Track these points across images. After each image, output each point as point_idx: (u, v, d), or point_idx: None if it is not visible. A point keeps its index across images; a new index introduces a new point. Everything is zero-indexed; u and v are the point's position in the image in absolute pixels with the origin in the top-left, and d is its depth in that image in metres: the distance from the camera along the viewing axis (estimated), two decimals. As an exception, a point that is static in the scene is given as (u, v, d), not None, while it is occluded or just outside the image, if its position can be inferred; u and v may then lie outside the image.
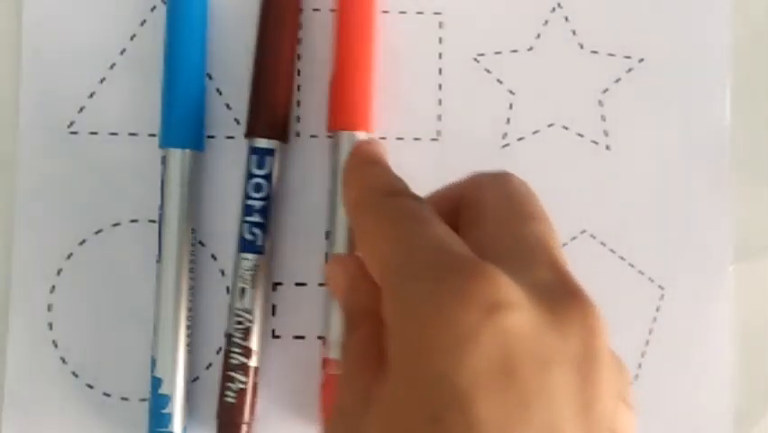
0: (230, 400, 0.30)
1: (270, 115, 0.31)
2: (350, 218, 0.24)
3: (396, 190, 0.24)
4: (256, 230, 0.31)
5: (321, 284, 0.31)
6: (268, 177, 0.31)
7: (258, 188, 0.31)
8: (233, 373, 0.30)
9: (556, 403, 0.19)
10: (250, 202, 0.31)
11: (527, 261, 0.22)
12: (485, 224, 0.23)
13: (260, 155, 0.31)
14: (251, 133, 0.31)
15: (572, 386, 0.20)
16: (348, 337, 0.24)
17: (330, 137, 0.32)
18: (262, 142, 0.31)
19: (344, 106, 0.31)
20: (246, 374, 0.30)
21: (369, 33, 0.31)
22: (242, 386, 0.30)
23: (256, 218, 0.31)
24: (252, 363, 0.30)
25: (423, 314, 0.20)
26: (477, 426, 0.19)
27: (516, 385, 0.19)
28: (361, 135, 0.31)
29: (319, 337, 0.31)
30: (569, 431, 0.19)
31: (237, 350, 0.30)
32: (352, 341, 0.23)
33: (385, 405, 0.20)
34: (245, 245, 0.31)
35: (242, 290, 0.30)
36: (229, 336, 0.30)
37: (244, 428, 0.30)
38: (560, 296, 0.21)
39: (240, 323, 0.30)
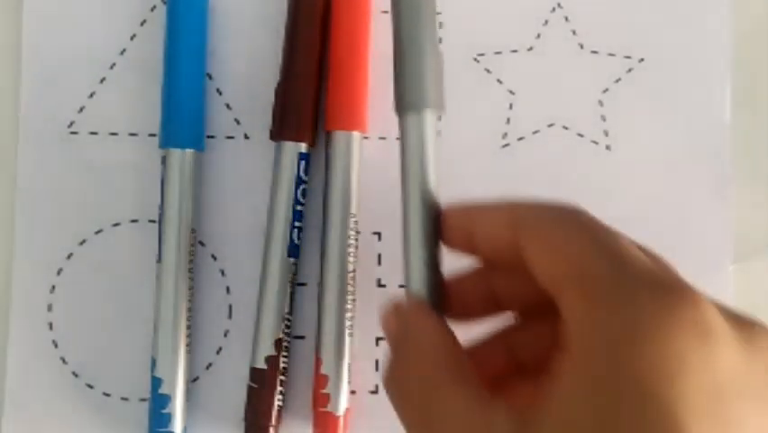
0: (280, 403, 0.30)
1: (314, 120, 0.31)
2: None
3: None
4: (301, 234, 0.31)
5: (320, 283, 0.31)
6: (308, 182, 0.31)
7: (304, 193, 0.31)
8: (283, 377, 0.30)
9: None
10: (299, 208, 0.31)
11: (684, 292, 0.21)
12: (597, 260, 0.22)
13: (307, 161, 0.31)
14: (299, 138, 0.31)
15: (761, 418, 0.20)
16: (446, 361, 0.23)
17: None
18: (302, 147, 0.31)
19: (340, 107, 0.31)
20: (286, 376, 0.31)
21: (364, 33, 0.31)
22: (284, 388, 0.31)
23: (301, 223, 0.31)
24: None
25: (643, 333, 0.19)
26: None
27: (723, 416, 0.19)
28: (356, 135, 0.31)
29: (319, 337, 0.31)
30: None
31: (286, 354, 0.30)
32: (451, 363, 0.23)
33: (575, 424, 0.20)
34: (294, 250, 0.31)
35: (292, 294, 0.31)
36: (280, 342, 0.30)
37: (273, 429, 0.30)
38: (748, 326, 0.21)
39: (288, 327, 0.30)
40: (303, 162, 0.31)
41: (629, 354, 0.19)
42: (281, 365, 0.30)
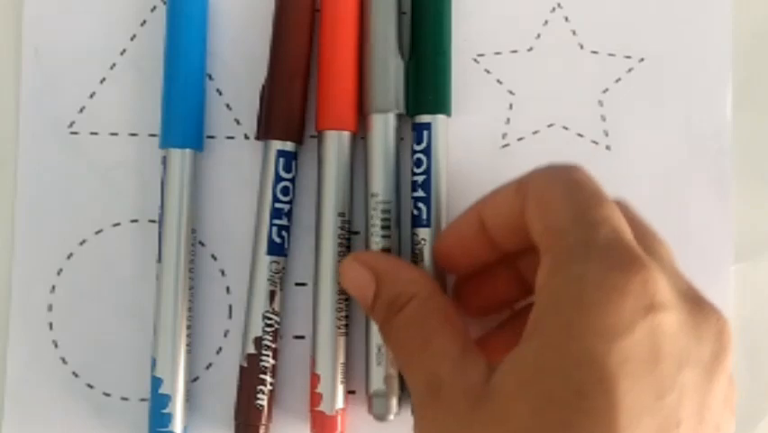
0: (261, 402, 0.30)
1: (298, 117, 0.31)
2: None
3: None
4: (284, 233, 0.31)
5: (314, 283, 0.31)
6: (293, 180, 0.31)
7: (286, 191, 0.31)
8: (264, 376, 0.30)
9: (683, 399, 0.21)
10: (279, 205, 0.31)
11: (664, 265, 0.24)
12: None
13: (288, 159, 0.31)
14: (280, 136, 0.31)
15: (697, 386, 0.22)
16: (397, 318, 0.26)
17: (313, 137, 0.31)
18: (288, 146, 0.31)
19: (328, 107, 0.31)
20: (274, 376, 0.30)
21: (352, 32, 0.31)
22: (270, 388, 0.30)
23: (284, 221, 0.31)
24: (276, 363, 0.31)
25: (589, 297, 0.21)
26: (617, 405, 0.20)
27: (656, 378, 0.21)
28: (345, 134, 0.31)
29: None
30: (687, 424, 0.21)
31: (267, 353, 0.30)
32: (403, 319, 0.26)
33: (525, 373, 0.22)
34: (274, 248, 0.31)
35: (272, 292, 0.30)
36: (260, 340, 0.30)
37: (263, 428, 0.30)
38: (698, 304, 0.23)
39: (270, 326, 0.30)
40: (282, 160, 0.31)
41: (576, 318, 0.21)
42: (263, 364, 0.30)
